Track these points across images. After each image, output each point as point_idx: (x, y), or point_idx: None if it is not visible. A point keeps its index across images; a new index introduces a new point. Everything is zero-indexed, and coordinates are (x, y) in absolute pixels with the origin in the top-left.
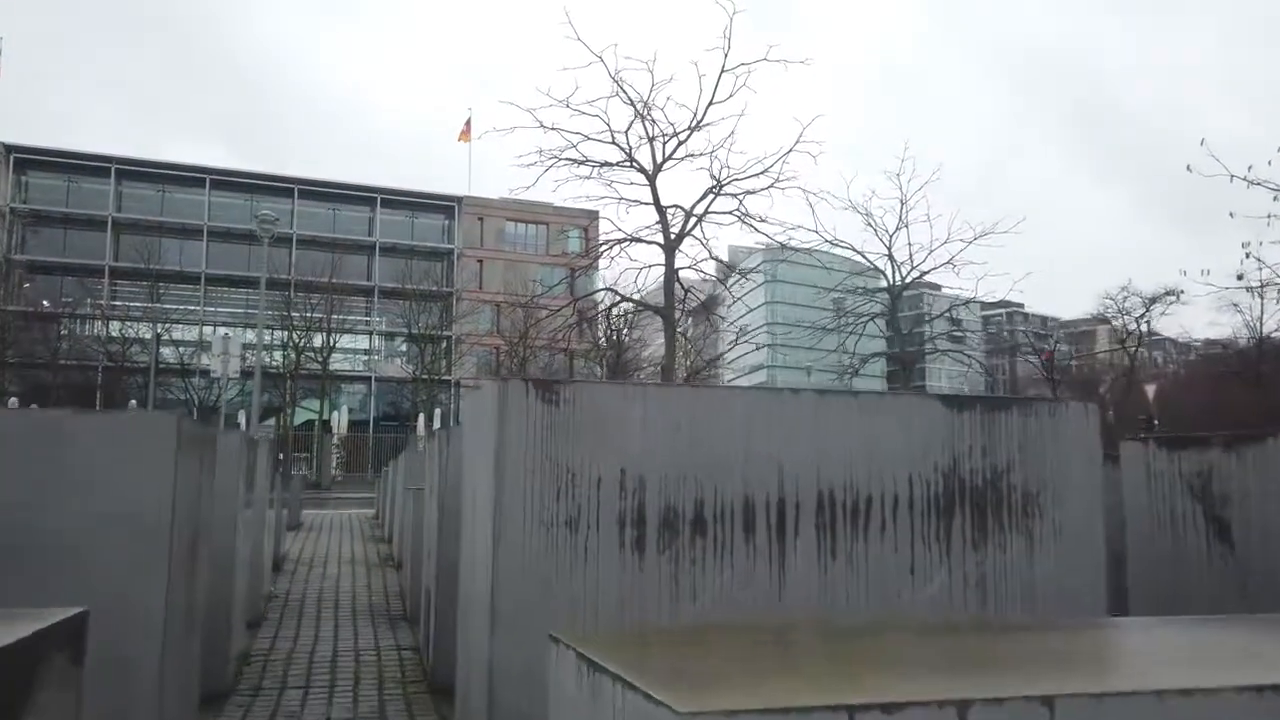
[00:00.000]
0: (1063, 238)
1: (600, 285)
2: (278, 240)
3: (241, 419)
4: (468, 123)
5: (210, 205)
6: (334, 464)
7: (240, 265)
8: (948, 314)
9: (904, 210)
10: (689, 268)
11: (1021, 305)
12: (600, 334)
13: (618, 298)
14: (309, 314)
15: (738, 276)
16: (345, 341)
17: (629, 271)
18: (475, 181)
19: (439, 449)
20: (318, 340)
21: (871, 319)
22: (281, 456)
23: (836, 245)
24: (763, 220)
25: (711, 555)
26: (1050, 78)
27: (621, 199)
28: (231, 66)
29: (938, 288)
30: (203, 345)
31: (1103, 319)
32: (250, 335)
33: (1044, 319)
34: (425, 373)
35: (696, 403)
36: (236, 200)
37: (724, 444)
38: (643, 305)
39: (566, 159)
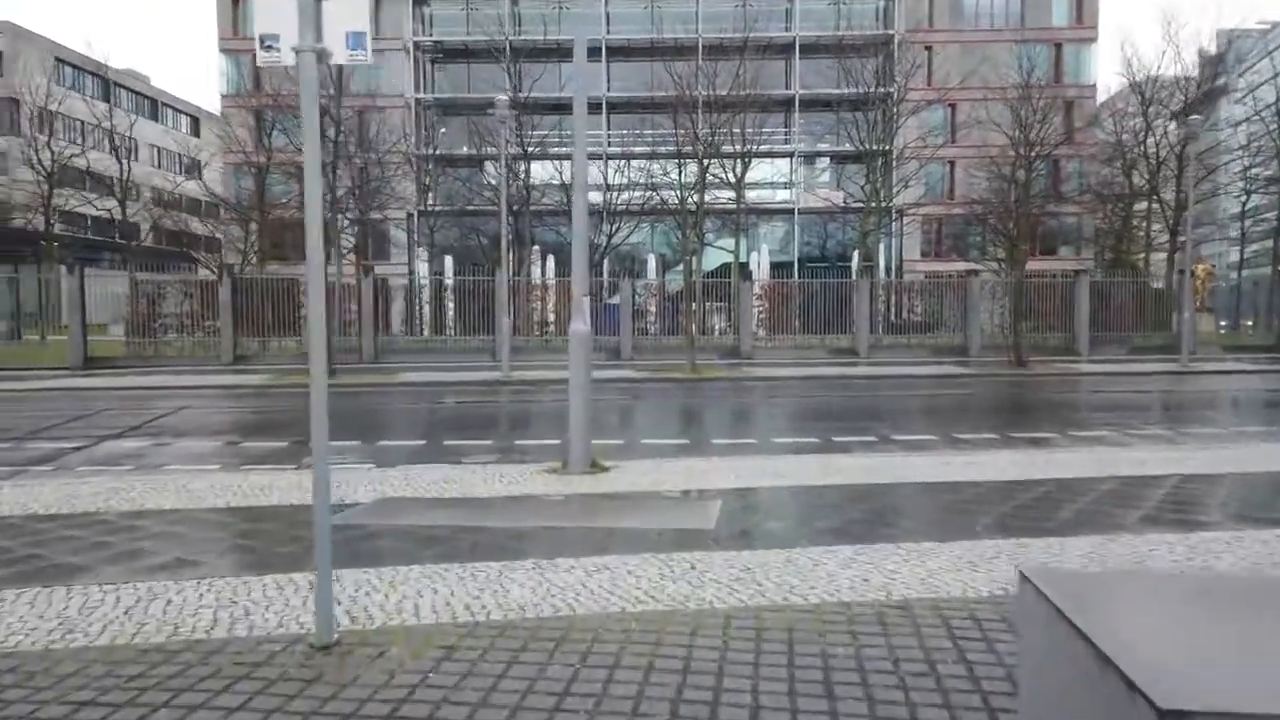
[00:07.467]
0: None
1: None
2: (680, 50)
3: (650, 264)
4: None
5: (609, 17)
6: (754, 320)
7: (640, 84)
8: None
9: None
10: None
11: None
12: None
13: None
14: (714, 137)
15: None
16: (758, 172)
17: None
18: None
19: None
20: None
21: None
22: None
23: None
24: None
25: None
26: None
27: None
28: None
29: None
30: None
31: None
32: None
33: None
34: (875, 199)
35: None
36: (634, 8)
37: None
38: None
39: None
